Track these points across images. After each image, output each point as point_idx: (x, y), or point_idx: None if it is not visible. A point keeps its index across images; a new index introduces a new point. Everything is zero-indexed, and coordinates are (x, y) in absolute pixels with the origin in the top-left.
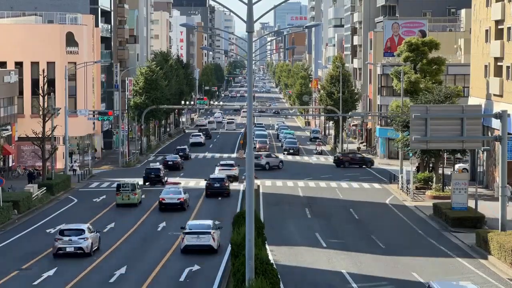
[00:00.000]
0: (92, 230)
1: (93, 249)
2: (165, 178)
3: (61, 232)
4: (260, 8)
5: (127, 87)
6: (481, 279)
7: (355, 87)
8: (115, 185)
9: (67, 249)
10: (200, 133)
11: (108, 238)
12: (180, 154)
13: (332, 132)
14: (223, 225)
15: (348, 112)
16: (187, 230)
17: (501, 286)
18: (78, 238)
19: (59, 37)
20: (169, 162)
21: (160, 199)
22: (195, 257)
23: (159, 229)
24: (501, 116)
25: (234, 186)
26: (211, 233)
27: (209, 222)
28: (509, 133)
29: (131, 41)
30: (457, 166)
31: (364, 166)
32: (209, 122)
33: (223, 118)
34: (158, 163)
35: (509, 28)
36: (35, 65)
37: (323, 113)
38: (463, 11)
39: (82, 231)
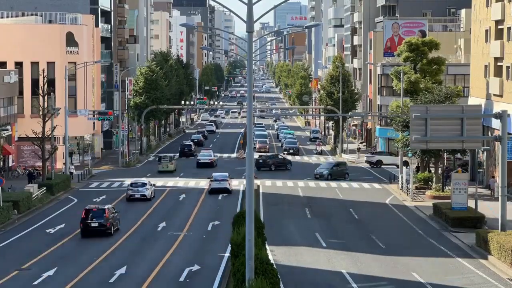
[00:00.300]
0: (151, 184)
1: (152, 196)
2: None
3: (131, 185)
4: (260, 8)
5: (127, 87)
6: (481, 279)
7: (355, 87)
8: (114, 185)
9: (136, 196)
10: (212, 123)
11: (108, 238)
12: (201, 134)
13: (332, 132)
14: (223, 225)
15: (348, 112)
16: (212, 179)
17: (501, 286)
18: (143, 189)
19: (59, 37)
20: (194, 140)
21: (197, 159)
22: (195, 257)
23: (159, 229)
24: (501, 116)
25: (234, 186)
26: (228, 180)
27: (226, 174)
28: (509, 133)
29: (131, 41)
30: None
31: (284, 168)
32: (215, 116)
33: (225, 116)
34: (189, 140)
35: (509, 28)
36: (35, 65)
37: (323, 113)
38: (463, 11)
39: (145, 184)
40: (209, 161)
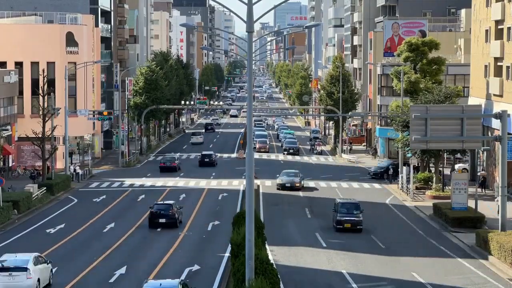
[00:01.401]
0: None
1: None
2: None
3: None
4: (260, 8)
5: (127, 87)
6: (481, 279)
7: (355, 87)
8: (115, 185)
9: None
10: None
11: (108, 238)
12: (209, 126)
13: (332, 132)
14: (223, 225)
15: (348, 112)
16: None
17: (501, 286)
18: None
19: (59, 37)
20: (208, 127)
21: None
22: (195, 257)
23: (159, 229)
24: (501, 116)
25: (234, 186)
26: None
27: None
28: (509, 133)
29: (131, 41)
30: (457, 166)
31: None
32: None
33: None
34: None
35: (509, 28)
36: (35, 65)
37: (323, 113)
38: (463, 11)
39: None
40: (236, 115)
